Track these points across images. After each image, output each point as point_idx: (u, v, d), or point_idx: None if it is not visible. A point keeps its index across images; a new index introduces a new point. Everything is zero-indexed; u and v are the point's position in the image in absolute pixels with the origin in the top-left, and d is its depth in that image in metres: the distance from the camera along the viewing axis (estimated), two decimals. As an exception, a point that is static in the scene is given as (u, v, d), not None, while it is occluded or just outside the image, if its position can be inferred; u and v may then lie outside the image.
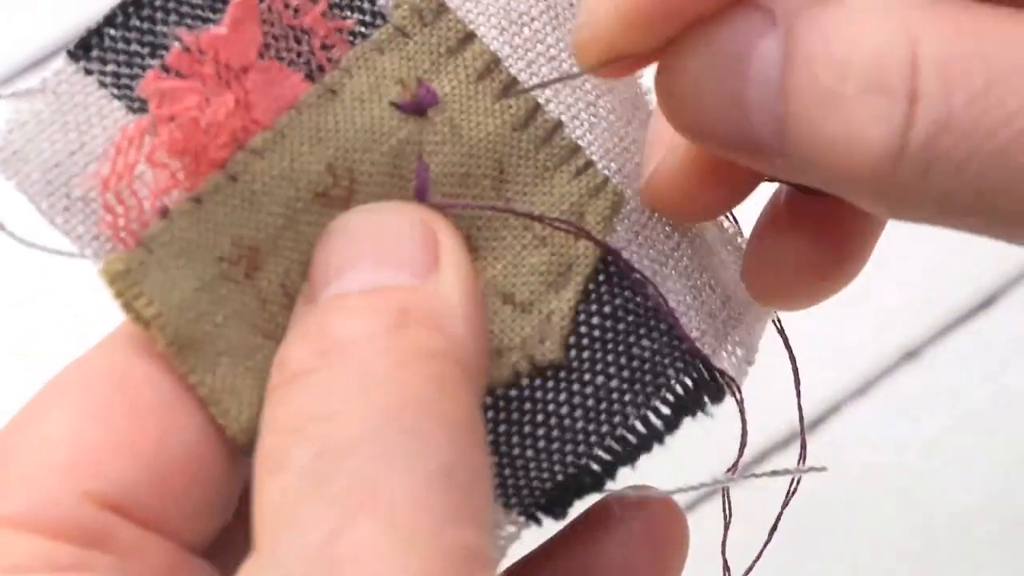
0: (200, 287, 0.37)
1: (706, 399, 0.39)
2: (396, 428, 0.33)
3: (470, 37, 0.39)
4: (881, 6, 0.34)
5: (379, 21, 0.39)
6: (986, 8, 0.35)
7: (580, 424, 0.38)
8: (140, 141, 0.37)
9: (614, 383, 0.39)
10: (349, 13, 0.39)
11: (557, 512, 0.38)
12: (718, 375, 0.39)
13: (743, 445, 0.41)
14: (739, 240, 0.43)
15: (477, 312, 0.37)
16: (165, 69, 0.37)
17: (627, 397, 0.39)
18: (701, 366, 0.39)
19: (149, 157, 0.37)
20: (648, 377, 0.39)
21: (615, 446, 0.38)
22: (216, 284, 0.37)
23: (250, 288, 0.37)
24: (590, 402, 0.38)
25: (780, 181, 0.40)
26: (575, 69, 0.39)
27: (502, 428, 0.38)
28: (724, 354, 0.40)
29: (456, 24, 0.39)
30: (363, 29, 0.39)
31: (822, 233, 0.42)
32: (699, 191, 0.40)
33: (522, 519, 0.38)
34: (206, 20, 0.38)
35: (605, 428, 0.38)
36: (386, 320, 0.35)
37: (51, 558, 0.34)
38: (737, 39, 0.35)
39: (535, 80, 0.40)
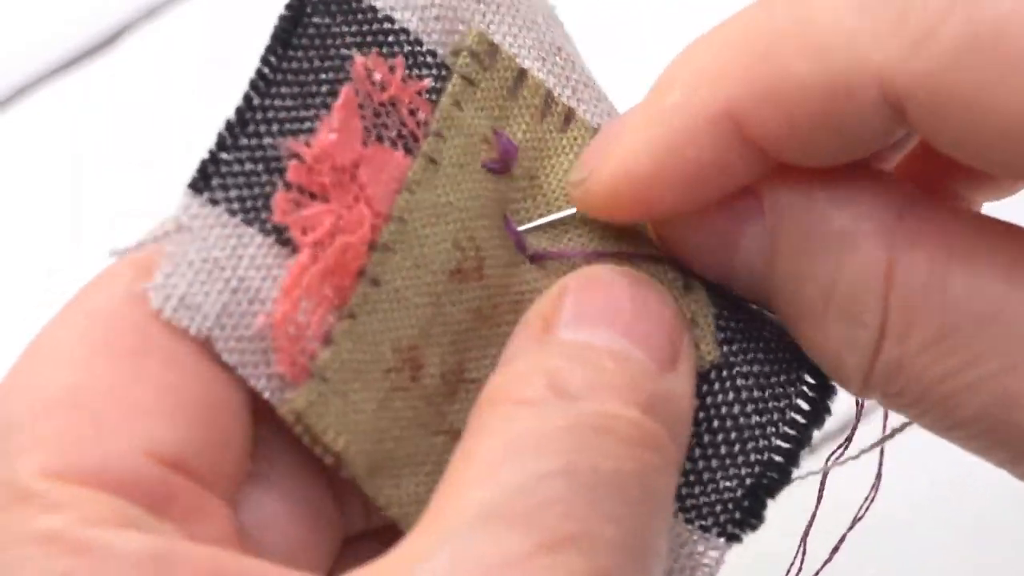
0: (378, 407, 0.37)
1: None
2: (620, 490, 0.33)
3: (523, 73, 0.40)
4: (868, 227, 0.35)
5: (444, 72, 0.39)
6: (965, 237, 0.35)
7: (754, 419, 0.38)
8: (303, 279, 0.36)
9: (767, 368, 0.38)
10: (423, 71, 0.39)
11: (753, 522, 0.38)
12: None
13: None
14: None
15: (691, 421, 0.37)
16: (287, 186, 0.37)
17: (782, 377, 0.38)
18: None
19: (307, 287, 0.37)
20: (787, 355, 0.39)
21: (789, 431, 0.38)
22: (390, 398, 0.37)
23: (418, 391, 0.37)
24: (755, 392, 0.38)
25: None
26: (602, 92, 0.41)
27: None
28: None
29: (509, 62, 0.39)
30: (435, 85, 0.39)
31: None
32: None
33: (722, 540, 0.38)
34: (308, 120, 0.37)
35: (775, 415, 0.38)
36: (637, 397, 0.35)
37: (125, 515, 0.33)
38: (727, 221, 0.37)
39: (583, 106, 0.40)
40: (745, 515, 0.37)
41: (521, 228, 0.39)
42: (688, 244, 0.38)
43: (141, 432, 0.34)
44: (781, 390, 0.38)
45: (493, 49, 0.39)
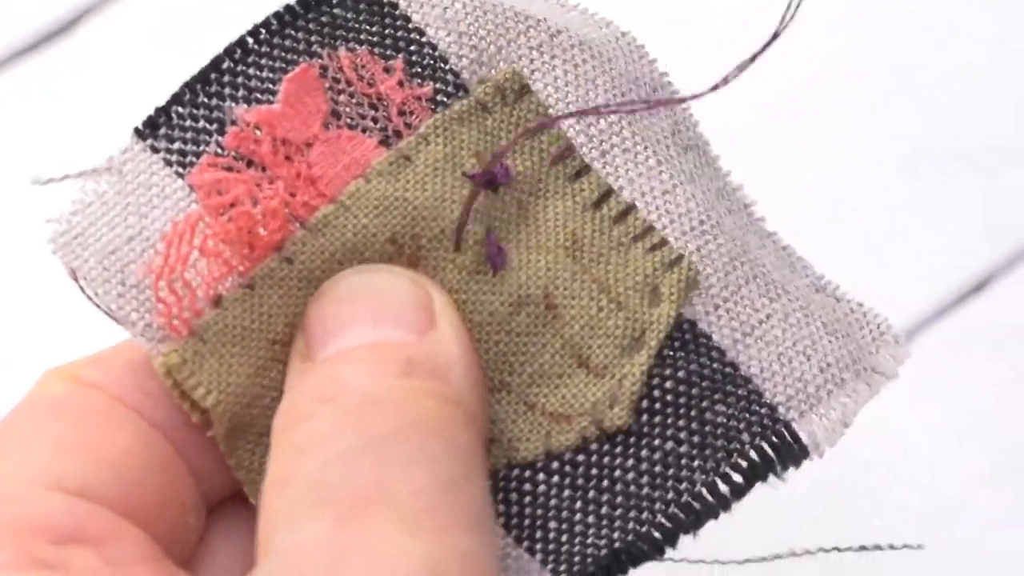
0: (254, 372, 0.37)
1: (781, 464, 0.39)
2: (404, 441, 0.34)
3: (548, 123, 0.39)
4: None
5: (460, 93, 0.39)
6: None
7: (645, 491, 0.38)
8: (192, 234, 0.37)
9: (683, 448, 0.39)
10: (429, 81, 0.39)
11: None
12: (803, 441, 0.39)
13: None
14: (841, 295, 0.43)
15: (476, 371, 0.37)
16: (221, 150, 0.38)
17: (696, 463, 0.39)
18: (783, 430, 0.39)
19: (202, 247, 0.37)
20: (720, 442, 0.39)
21: (679, 514, 0.38)
22: (268, 368, 0.38)
23: None
24: (657, 468, 0.38)
25: None
26: (651, 162, 0.40)
27: (566, 493, 0.38)
28: (815, 416, 0.40)
29: (537, 107, 0.39)
30: (443, 98, 0.39)
31: None
32: None
33: None
34: (275, 93, 0.38)
35: (671, 495, 0.38)
36: (395, 368, 0.35)
37: (33, 555, 0.34)
38: None
39: (609, 168, 0.40)
40: (597, 573, 0.38)
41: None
42: None
43: (39, 469, 0.36)
44: (688, 474, 0.38)
45: (523, 91, 0.39)
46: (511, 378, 0.39)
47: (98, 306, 0.37)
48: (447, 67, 0.39)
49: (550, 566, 0.38)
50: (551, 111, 0.39)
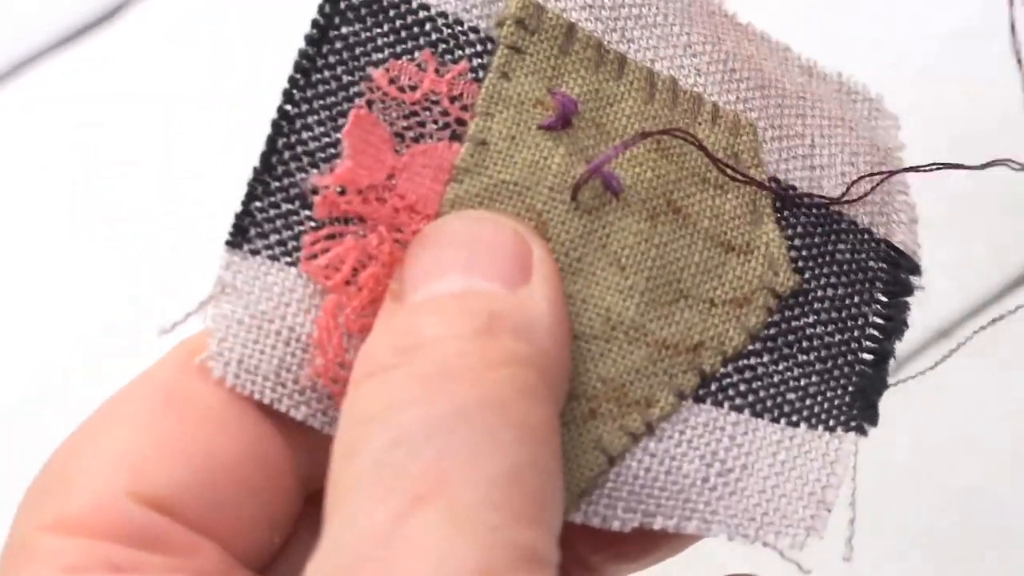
0: None
1: (905, 278, 0.41)
2: (470, 425, 0.33)
3: (572, 28, 0.39)
4: None
5: (490, 46, 0.39)
6: None
7: (837, 337, 0.40)
8: (335, 322, 0.37)
9: (840, 291, 0.40)
10: (460, 53, 0.39)
11: (872, 416, 0.39)
12: (902, 250, 0.41)
13: None
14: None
15: (563, 329, 0.37)
16: (316, 224, 0.37)
17: (856, 299, 0.40)
18: (886, 248, 0.41)
19: (348, 326, 0.37)
20: (859, 276, 0.40)
21: (873, 345, 0.40)
22: None
23: None
24: (834, 314, 0.40)
25: None
26: (659, 18, 0.40)
27: (782, 366, 0.39)
28: (895, 225, 0.42)
29: (556, 20, 0.39)
30: (479, 61, 0.39)
31: None
32: None
33: (850, 435, 0.39)
34: (336, 145, 0.38)
35: (856, 332, 0.40)
36: (475, 323, 0.35)
37: (108, 559, 0.34)
38: None
39: (634, 46, 0.40)
40: (861, 412, 0.39)
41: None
42: None
43: (129, 479, 0.35)
44: (857, 311, 0.40)
45: (539, 10, 0.39)
46: (682, 285, 0.39)
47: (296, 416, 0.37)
48: (465, 28, 0.39)
49: (820, 427, 0.39)
50: (565, 15, 0.39)
